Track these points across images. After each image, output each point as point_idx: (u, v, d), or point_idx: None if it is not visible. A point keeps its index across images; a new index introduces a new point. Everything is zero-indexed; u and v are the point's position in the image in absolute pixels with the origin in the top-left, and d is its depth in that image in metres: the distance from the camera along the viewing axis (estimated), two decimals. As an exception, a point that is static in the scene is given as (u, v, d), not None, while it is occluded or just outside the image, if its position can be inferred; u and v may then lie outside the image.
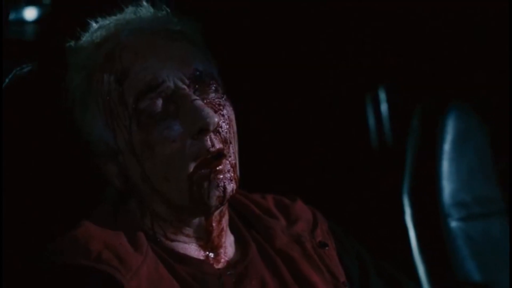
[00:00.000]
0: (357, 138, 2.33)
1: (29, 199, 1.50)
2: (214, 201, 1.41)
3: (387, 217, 2.20)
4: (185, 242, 1.48)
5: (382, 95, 2.34)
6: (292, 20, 2.39)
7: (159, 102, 1.40)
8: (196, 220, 1.46)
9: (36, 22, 1.93)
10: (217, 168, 1.40)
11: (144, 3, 1.54)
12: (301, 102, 2.37)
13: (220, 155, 1.40)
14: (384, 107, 2.33)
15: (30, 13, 2.12)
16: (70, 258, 1.37)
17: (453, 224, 2.11)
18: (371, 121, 2.32)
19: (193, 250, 1.48)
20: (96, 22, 1.51)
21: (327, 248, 1.58)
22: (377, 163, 2.29)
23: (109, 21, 1.50)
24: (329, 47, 2.37)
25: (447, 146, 2.13)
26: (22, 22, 2.10)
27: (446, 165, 2.12)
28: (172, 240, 1.47)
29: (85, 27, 1.50)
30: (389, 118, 2.33)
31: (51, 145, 1.55)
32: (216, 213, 1.46)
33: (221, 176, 1.41)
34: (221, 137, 1.41)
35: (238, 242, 1.56)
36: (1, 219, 1.42)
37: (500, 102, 2.13)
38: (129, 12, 1.52)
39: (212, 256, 1.48)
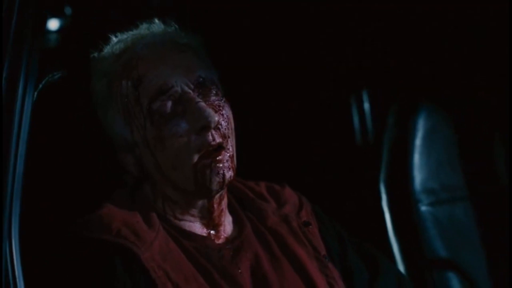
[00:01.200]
0: (342, 134, 2.45)
1: (60, 184, 1.66)
2: (215, 186, 1.58)
3: (367, 203, 2.31)
4: (191, 221, 1.65)
5: (365, 97, 2.44)
6: (284, 27, 2.46)
7: (169, 103, 1.57)
8: (200, 202, 1.62)
9: (58, 31, 2.01)
10: (217, 158, 1.58)
11: (156, 20, 1.71)
12: (292, 103, 2.48)
13: (220, 148, 1.58)
14: (367, 107, 2.43)
15: (53, 24, 2.18)
16: (95, 233, 1.54)
17: (423, 208, 2.22)
18: (356, 119, 2.44)
19: (197, 227, 1.65)
20: (116, 36, 1.66)
21: (310, 226, 1.74)
22: (359, 156, 2.41)
23: (126, 36, 1.66)
24: (318, 53, 2.46)
25: (417, 141, 2.24)
26: (46, 31, 2.16)
27: (417, 158, 2.24)
28: (180, 219, 1.63)
29: (107, 40, 1.65)
30: (371, 117, 2.43)
31: (78, 140, 1.71)
32: (217, 196, 1.63)
33: (221, 165, 1.58)
34: (220, 133, 1.57)
35: (235, 221, 1.72)
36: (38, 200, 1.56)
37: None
38: (143, 28, 1.69)
39: (213, 233, 1.66)
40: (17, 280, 1.46)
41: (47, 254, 1.57)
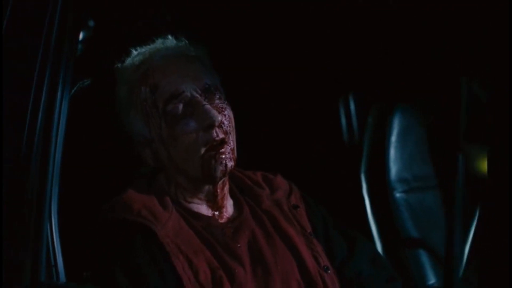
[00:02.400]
0: (331, 133, 2.53)
1: (90, 173, 1.84)
2: (218, 174, 1.73)
3: (350, 191, 2.41)
4: (198, 204, 1.81)
5: (351, 100, 2.53)
6: (277, 36, 2.49)
7: (180, 106, 1.73)
8: (206, 188, 1.79)
9: (82, 42, 2.05)
10: (221, 151, 1.73)
11: (169, 36, 1.87)
12: (288, 106, 2.54)
13: (222, 142, 1.73)
14: (352, 110, 2.53)
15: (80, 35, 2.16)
16: (119, 214, 1.70)
17: (397, 195, 2.35)
18: (343, 120, 2.53)
19: (203, 209, 1.80)
20: (136, 50, 1.83)
21: (298, 209, 1.90)
22: (346, 152, 2.50)
23: (144, 49, 1.82)
24: (311, 61, 2.52)
25: (393, 138, 2.37)
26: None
27: (392, 152, 2.36)
28: (189, 202, 1.79)
29: (128, 53, 1.82)
30: (356, 118, 2.52)
31: (104, 137, 1.88)
32: (220, 182, 1.78)
33: (223, 156, 1.73)
34: (223, 130, 1.74)
35: (235, 204, 1.87)
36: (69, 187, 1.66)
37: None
38: (159, 43, 1.85)
39: (217, 213, 1.82)
40: (57, 254, 1.58)
41: (81, 232, 1.70)
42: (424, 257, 2.24)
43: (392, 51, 2.38)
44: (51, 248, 1.58)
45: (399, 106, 2.37)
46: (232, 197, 1.90)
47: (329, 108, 2.53)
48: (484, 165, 2.14)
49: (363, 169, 2.39)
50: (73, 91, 1.75)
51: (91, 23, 2.06)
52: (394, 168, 2.34)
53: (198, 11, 2.32)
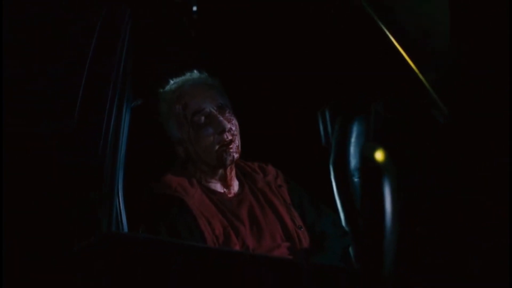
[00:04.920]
0: (312, 136, 2.57)
1: (143, 162, 2.10)
2: (228, 162, 2.04)
3: (322, 176, 2.44)
4: (214, 183, 2.10)
5: (327, 112, 2.57)
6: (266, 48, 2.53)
7: (202, 118, 2.04)
8: (219, 172, 2.08)
9: (138, 74, 1.99)
10: (229, 147, 2.02)
11: (195, 71, 2.17)
12: (279, 115, 2.58)
13: (231, 141, 2.03)
14: (328, 119, 2.57)
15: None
16: (162, 190, 2.01)
17: (355, 180, 2.37)
18: (321, 127, 2.58)
19: (218, 187, 2.10)
20: (172, 80, 2.15)
21: (282, 188, 2.18)
22: (323, 151, 2.53)
23: (178, 80, 2.14)
24: (296, 78, 2.54)
25: (352, 139, 2.40)
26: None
27: (352, 149, 2.39)
28: (208, 182, 2.09)
29: (168, 82, 2.15)
30: (331, 126, 2.55)
31: (152, 138, 2.14)
32: (229, 168, 2.08)
33: (231, 151, 2.03)
34: (231, 133, 2.03)
35: (239, 184, 2.15)
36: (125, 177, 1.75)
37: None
38: (187, 75, 2.16)
39: (226, 190, 2.11)
40: (122, 215, 1.75)
41: (138, 201, 1.94)
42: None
43: (351, 77, 2.40)
44: (119, 211, 1.74)
45: (356, 117, 2.41)
46: (236, 179, 2.16)
47: (311, 118, 2.60)
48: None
49: (331, 161, 2.46)
50: (132, 106, 1.89)
51: (145, 62, 2.14)
52: (353, 161, 2.39)
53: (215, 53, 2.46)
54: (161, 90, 2.15)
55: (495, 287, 1.42)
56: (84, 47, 1.70)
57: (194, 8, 2.43)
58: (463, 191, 1.52)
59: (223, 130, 2.02)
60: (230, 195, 2.11)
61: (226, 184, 2.12)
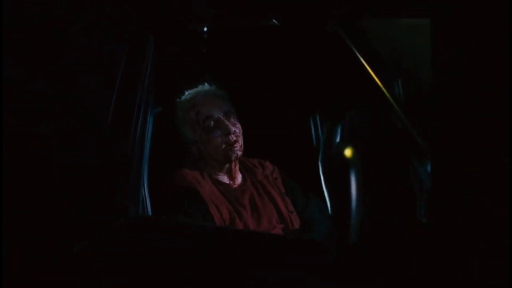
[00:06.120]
0: (305, 139, 2.78)
1: (163, 158, 2.23)
2: (232, 158, 2.28)
3: (312, 171, 2.59)
4: (222, 176, 2.34)
5: (318, 117, 2.78)
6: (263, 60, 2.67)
7: (212, 122, 2.28)
8: (226, 166, 2.32)
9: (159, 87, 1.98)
10: (234, 146, 2.27)
11: (205, 83, 2.40)
12: (276, 119, 2.77)
13: (235, 142, 2.27)
14: (319, 123, 2.78)
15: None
16: (178, 182, 2.24)
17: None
18: (313, 130, 2.80)
19: (225, 179, 2.34)
20: (187, 91, 2.38)
21: (277, 180, 2.43)
22: (314, 151, 2.71)
23: (192, 91, 2.37)
24: (291, 88, 2.71)
25: (337, 140, 2.49)
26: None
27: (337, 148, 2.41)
28: (217, 175, 2.34)
29: (183, 93, 2.37)
30: (320, 128, 2.75)
31: (170, 139, 2.35)
32: (233, 163, 2.32)
33: (236, 149, 2.28)
34: (235, 135, 2.27)
35: (242, 177, 2.39)
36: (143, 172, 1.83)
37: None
38: (199, 87, 2.39)
39: (231, 182, 2.35)
40: (147, 202, 1.84)
41: (158, 190, 2.06)
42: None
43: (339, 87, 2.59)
44: (144, 198, 1.84)
45: (341, 123, 2.55)
46: (240, 172, 2.42)
47: (305, 122, 2.81)
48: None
49: (320, 158, 2.63)
50: (154, 112, 1.98)
51: (164, 76, 2.13)
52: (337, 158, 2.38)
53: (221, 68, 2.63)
54: (178, 100, 2.42)
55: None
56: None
57: (205, 29, 2.70)
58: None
59: (229, 133, 2.29)
60: (234, 186, 2.38)
61: (231, 177, 2.39)
